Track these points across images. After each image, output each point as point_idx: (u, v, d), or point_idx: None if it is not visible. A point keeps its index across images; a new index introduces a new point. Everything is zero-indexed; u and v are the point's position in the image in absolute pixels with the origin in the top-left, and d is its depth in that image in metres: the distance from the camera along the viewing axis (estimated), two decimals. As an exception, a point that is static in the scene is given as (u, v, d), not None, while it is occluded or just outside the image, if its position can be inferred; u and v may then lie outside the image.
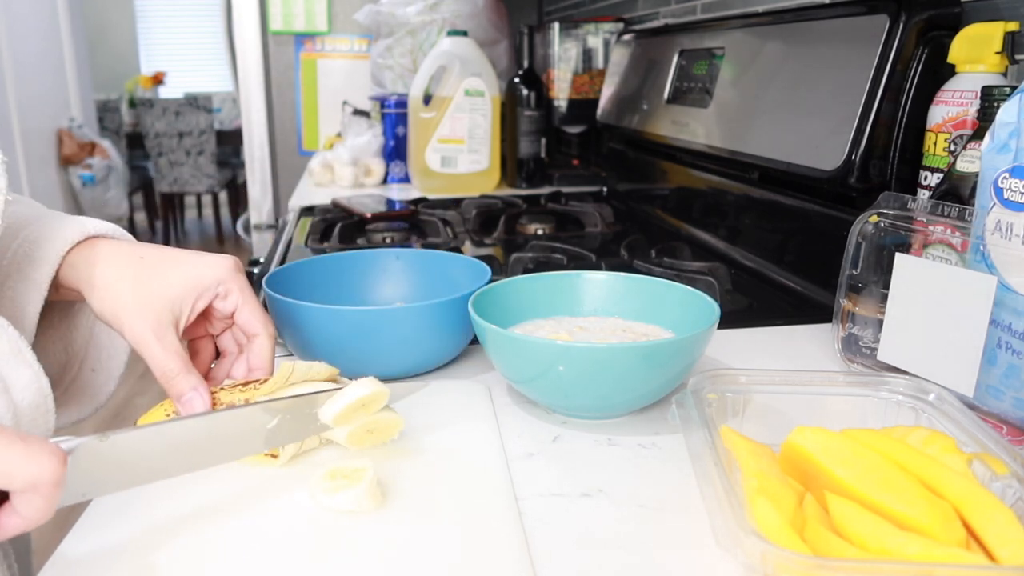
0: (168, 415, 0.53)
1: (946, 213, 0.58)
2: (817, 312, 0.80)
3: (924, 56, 0.75)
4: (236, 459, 0.48)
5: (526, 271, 0.94)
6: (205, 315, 0.58)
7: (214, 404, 0.53)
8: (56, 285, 0.54)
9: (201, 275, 0.54)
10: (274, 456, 0.51)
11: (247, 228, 2.29)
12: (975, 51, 0.67)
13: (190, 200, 5.73)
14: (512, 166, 1.66)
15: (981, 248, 0.54)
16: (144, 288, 0.52)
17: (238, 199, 5.11)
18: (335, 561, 0.42)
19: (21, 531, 0.39)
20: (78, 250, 0.54)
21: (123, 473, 0.42)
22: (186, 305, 0.53)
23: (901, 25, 0.75)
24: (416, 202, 1.40)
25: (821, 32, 0.86)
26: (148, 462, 0.43)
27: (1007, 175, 0.53)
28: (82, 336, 0.60)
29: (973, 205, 0.56)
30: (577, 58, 1.63)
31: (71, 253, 0.53)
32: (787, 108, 0.89)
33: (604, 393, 0.56)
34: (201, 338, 0.60)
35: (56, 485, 0.38)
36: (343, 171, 1.68)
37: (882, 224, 0.63)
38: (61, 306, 0.60)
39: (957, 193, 0.62)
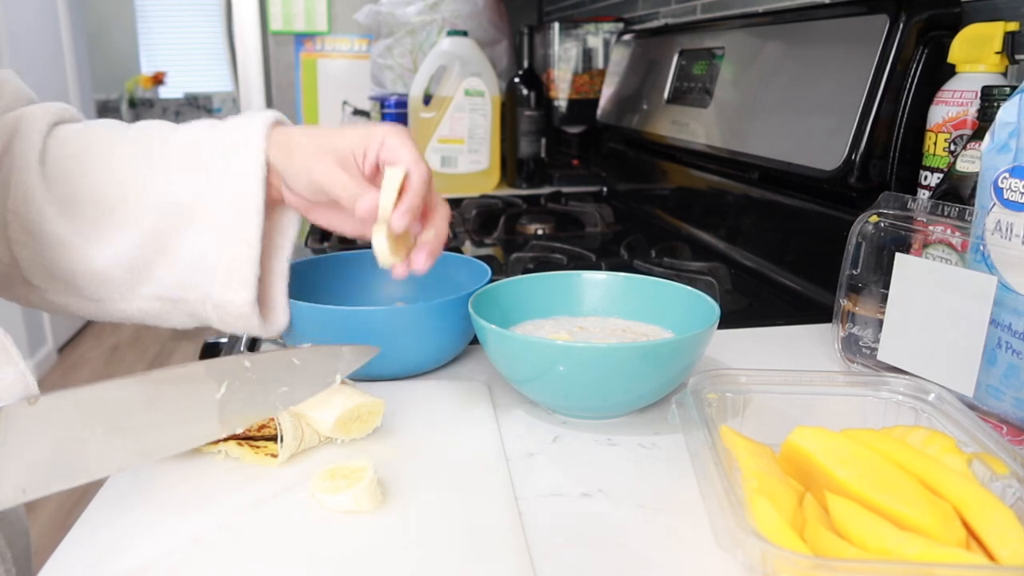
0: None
1: (946, 213, 0.58)
2: (817, 312, 0.80)
3: (924, 56, 0.75)
4: (192, 446, 0.46)
5: (526, 271, 0.94)
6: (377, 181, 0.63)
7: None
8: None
9: (366, 135, 0.61)
10: (273, 456, 0.51)
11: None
12: (975, 51, 0.67)
13: (190, 200, 5.72)
14: (512, 166, 1.66)
15: (981, 248, 0.54)
16: (326, 141, 0.60)
17: (238, 199, 5.11)
18: (335, 561, 0.42)
19: None
20: (270, 141, 0.62)
21: (66, 457, 0.38)
22: (355, 156, 0.60)
23: (901, 25, 0.75)
24: (416, 202, 1.39)
25: (821, 32, 0.86)
26: (90, 438, 0.39)
27: (1007, 175, 0.53)
28: (285, 237, 0.67)
29: (973, 205, 0.56)
30: (577, 58, 1.63)
31: (266, 143, 0.61)
32: (787, 108, 0.89)
33: (604, 393, 0.56)
34: None
35: None
36: (343, 171, 1.68)
37: (882, 224, 0.63)
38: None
39: (957, 193, 0.62)
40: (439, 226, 0.62)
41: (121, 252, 0.60)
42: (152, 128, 0.68)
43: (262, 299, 0.64)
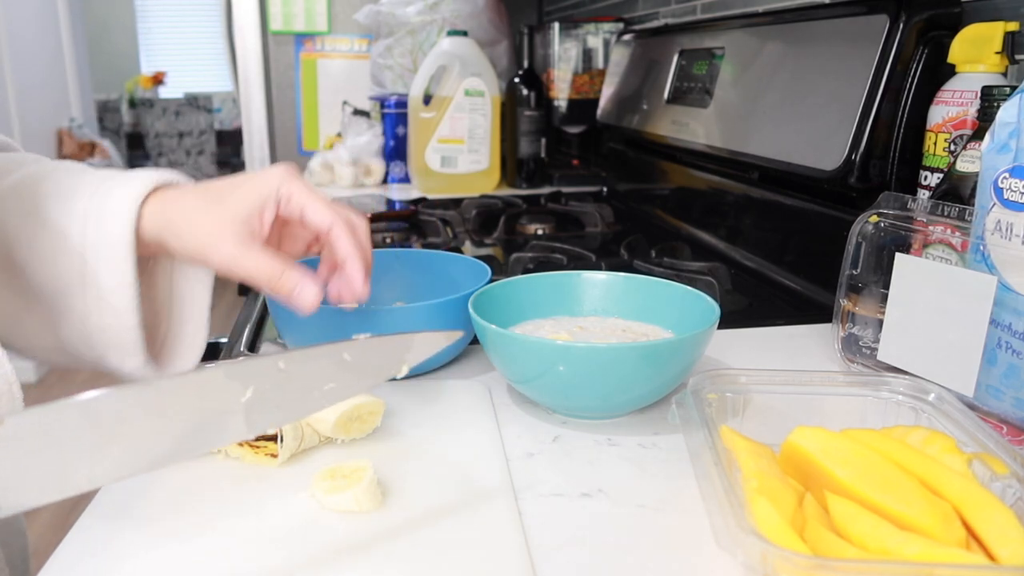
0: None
1: (946, 213, 0.58)
2: (817, 312, 0.80)
3: (924, 56, 0.75)
4: (210, 449, 0.40)
5: (526, 271, 0.94)
6: (284, 235, 0.60)
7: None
8: (137, 242, 0.55)
9: (259, 187, 0.55)
10: (273, 456, 0.51)
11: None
12: (975, 51, 0.67)
13: (190, 200, 5.73)
14: (512, 166, 1.66)
15: (981, 248, 0.54)
16: (215, 215, 0.53)
17: (238, 199, 5.11)
18: (335, 561, 0.42)
19: None
20: (149, 202, 0.55)
21: (46, 473, 0.32)
22: (255, 219, 0.54)
23: (901, 25, 0.75)
24: (416, 202, 1.40)
25: (821, 32, 0.86)
26: (76, 455, 0.33)
27: (1007, 175, 0.53)
28: (163, 291, 0.61)
29: (973, 205, 0.56)
30: (577, 58, 1.63)
31: (144, 205, 0.55)
32: (787, 108, 0.89)
33: (604, 393, 0.56)
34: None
35: None
36: (343, 171, 1.68)
37: (882, 224, 0.63)
38: (139, 265, 0.60)
39: (957, 193, 0.62)
40: (350, 271, 0.58)
41: (12, 311, 0.56)
42: (34, 179, 0.58)
43: (171, 346, 0.61)
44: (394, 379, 0.44)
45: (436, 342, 0.45)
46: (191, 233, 0.54)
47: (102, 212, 0.54)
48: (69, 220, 0.55)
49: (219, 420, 0.36)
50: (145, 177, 0.56)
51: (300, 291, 0.54)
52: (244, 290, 1.07)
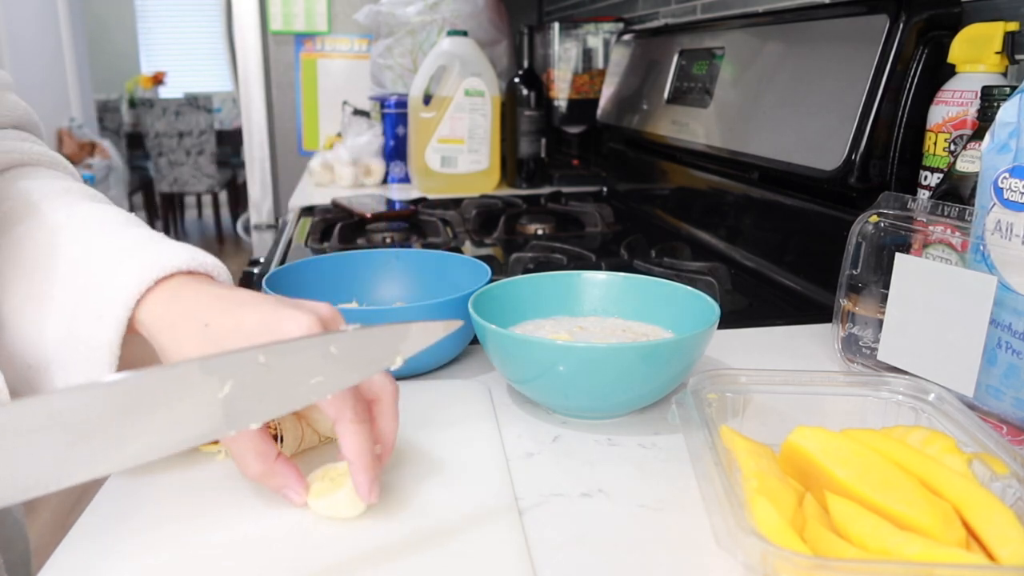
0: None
1: (946, 213, 0.58)
2: (817, 312, 0.80)
3: (924, 56, 0.75)
4: (186, 446, 0.36)
5: (526, 271, 0.94)
6: None
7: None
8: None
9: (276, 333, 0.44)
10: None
11: (247, 228, 2.29)
12: (975, 51, 0.67)
13: (190, 200, 5.73)
14: (512, 166, 1.66)
15: (981, 248, 0.54)
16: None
17: (238, 199, 5.12)
18: (335, 561, 0.42)
19: None
20: (147, 302, 0.47)
21: (9, 475, 0.30)
22: None
23: (901, 25, 0.75)
24: (416, 202, 1.40)
25: (821, 32, 0.86)
26: (42, 456, 0.31)
27: (1007, 175, 0.53)
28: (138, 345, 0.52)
29: (973, 205, 0.56)
30: (577, 58, 1.63)
31: (139, 307, 0.47)
32: (787, 108, 0.89)
33: (604, 393, 0.56)
34: None
35: None
36: (343, 171, 1.68)
37: (882, 224, 0.63)
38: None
39: (957, 193, 0.62)
40: (381, 427, 0.47)
41: None
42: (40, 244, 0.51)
43: None
44: (390, 370, 0.41)
45: (433, 332, 0.42)
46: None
47: (88, 308, 0.48)
48: (50, 294, 0.49)
49: (196, 416, 0.34)
50: (139, 277, 0.47)
51: (285, 495, 0.46)
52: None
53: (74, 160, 4.08)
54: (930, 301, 0.57)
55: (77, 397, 0.30)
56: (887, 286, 0.60)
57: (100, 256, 0.49)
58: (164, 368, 0.32)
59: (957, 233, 0.58)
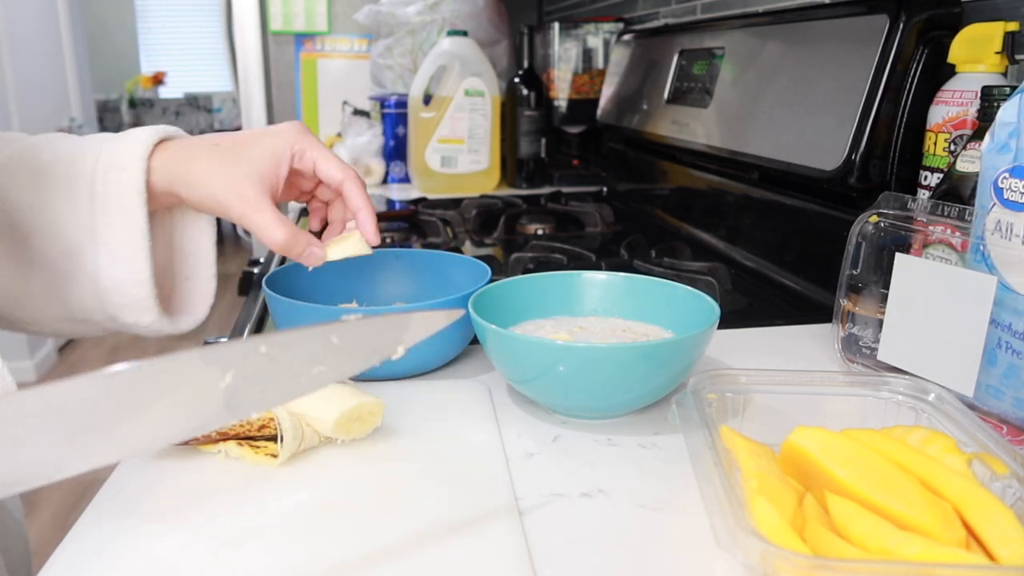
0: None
1: (946, 213, 0.58)
2: (817, 312, 0.80)
3: (924, 56, 0.75)
4: (186, 437, 0.36)
5: (526, 271, 0.94)
6: (292, 182, 0.63)
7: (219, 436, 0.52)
8: (151, 200, 0.58)
9: (275, 145, 0.58)
10: (273, 456, 0.51)
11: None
12: (975, 51, 0.67)
13: (190, 200, 5.73)
14: (512, 166, 1.66)
15: (981, 248, 0.54)
16: (234, 170, 0.56)
17: (238, 199, 5.11)
18: (335, 560, 0.42)
19: None
20: (157, 156, 0.58)
21: (7, 468, 0.30)
22: (271, 176, 0.58)
23: (901, 25, 0.75)
24: (416, 202, 1.40)
25: (821, 32, 0.86)
26: (39, 447, 0.31)
27: (1007, 175, 0.53)
28: (164, 247, 0.63)
29: (973, 205, 0.56)
30: (577, 58, 1.63)
31: (152, 158, 0.57)
32: (787, 108, 0.89)
33: (604, 393, 0.56)
34: (310, 199, 0.67)
35: None
36: (343, 171, 1.68)
37: (882, 224, 0.63)
38: (157, 219, 0.63)
39: (957, 193, 0.62)
40: (363, 219, 0.63)
41: (16, 283, 0.58)
42: (32, 149, 0.61)
43: (178, 300, 0.64)
44: (390, 360, 0.40)
45: (435, 322, 0.42)
46: (209, 186, 0.56)
47: (109, 167, 0.57)
48: (76, 180, 0.57)
49: (197, 406, 0.34)
50: (149, 131, 0.58)
51: (311, 251, 0.59)
52: (244, 290, 1.07)
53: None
54: (930, 301, 0.57)
55: (79, 387, 0.30)
56: (887, 286, 0.60)
57: (95, 143, 0.59)
58: (165, 358, 0.32)
59: (957, 233, 0.58)
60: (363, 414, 0.54)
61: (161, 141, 0.59)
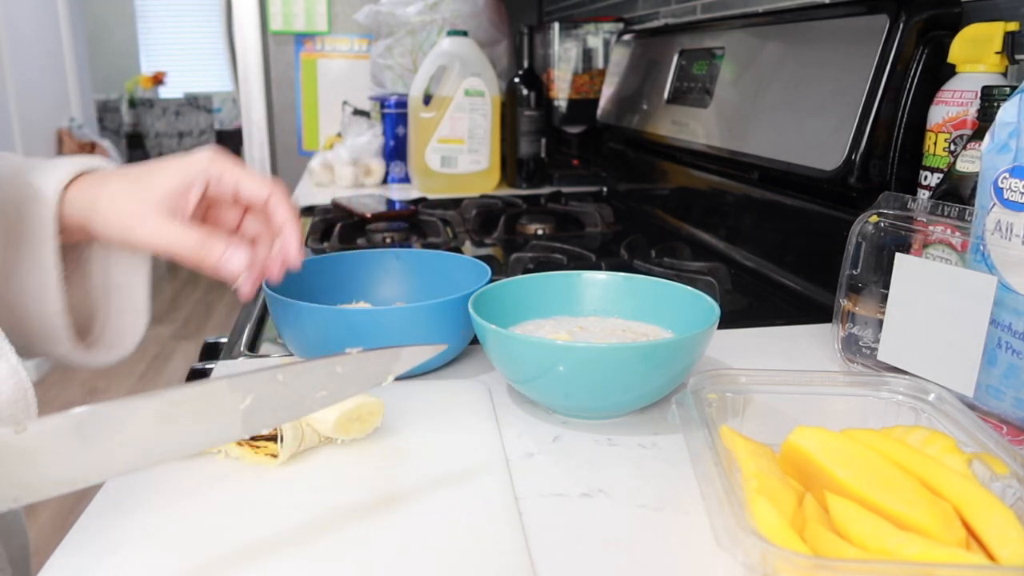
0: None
1: (946, 213, 0.58)
2: (817, 312, 0.80)
3: (924, 56, 0.75)
4: (207, 447, 0.42)
5: (526, 271, 0.94)
6: (209, 217, 0.60)
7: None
8: (63, 225, 0.56)
9: (186, 167, 0.56)
10: (274, 456, 0.51)
11: (247, 228, 2.29)
12: (975, 51, 0.67)
13: (190, 200, 5.72)
14: (512, 166, 1.66)
15: (981, 248, 0.54)
16: (139, 193, 0.54)
17: (238, 199, 5.11)
18: (335, 560, 0.42)
19: None
20: (73, 187, 0.56)
21: (63, 470, 0.35)
22: (180, 196, 0.55)
23: (901, 25, 0.75)
24: (416, 202, 1.40)
25: (821, 32, 0.86)
26: (92, 454, 0.36)
27: (1007, 175, 0.53)
28: (98, 280, 0.62)
29: (973, 205, 0.56)
30: (577, 58, 1.63)
31: (68, 190, 0.56)
32: (787, 108, 0.89)
33: (604, 393, 0.56)
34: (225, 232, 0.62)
35: None
36: (343, 171, 1.68)
37: (882, 224, 0.63)
38: (70, 256, 0.61)
39: (957, 193, 0.62)
40: (288, 235, 0.59)
41: None
42: None
43: (109, 332, 0.62)
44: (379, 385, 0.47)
45: (422, 354, 0.48)
46: (115, 212, 0.54)
47: (26, 198, 0.55)
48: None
49: (220, 423, 0.39)
50: (69, 164, 0.57)
51: (228, 256, 0.54)
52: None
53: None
54: (930, 301, 0.57)
55: (121, 408, 0.36)
56: (887, 286, 0.60)
57: (21, 171, 0.57)
58: (201, 385, 0.39)
59: (957, 233, 0.58)
60: (363, 414, 0.54)
61: (81, 174, 0.57)
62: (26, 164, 0.59)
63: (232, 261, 0.54)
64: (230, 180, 0.57)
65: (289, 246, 0.59)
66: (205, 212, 0.61)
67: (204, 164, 0.56)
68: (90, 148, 4.18)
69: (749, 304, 0.86)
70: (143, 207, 0.54)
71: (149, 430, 0.37)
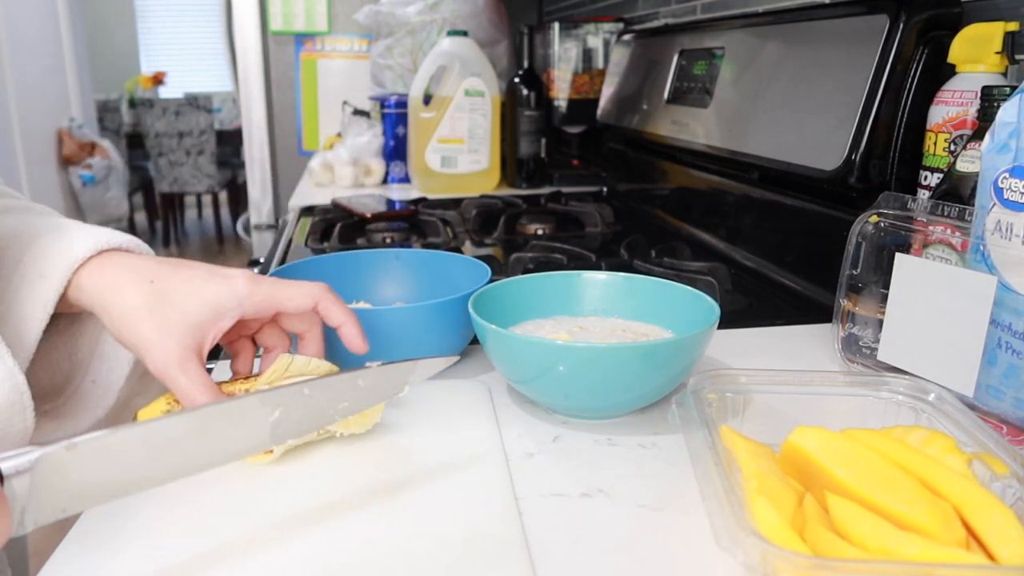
0: (169, 407, 0.53)
1: (946, 213, 0.58)
2: (817, 312, 0.80)
3: (924, 56, 0.75)
4: (239, 458, 0.43)
5: (526, 271, 0.94)
6: (237, 328, 0.56)
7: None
8: (66, 301, 0.52)
9: (219, 296, 0.51)
10: (269, 452, 0.51)
11: (247, 228, 2.29)
12: (975, 51, 0.67)
13: (190, 200, 5.73)
14: (512, 166, 1.66)
15: (981, 248, 0.54)
16: (161, 317, 0.49)
17: (238, 199, 5.11)
18: (335, 560, 0.42)
19: None
20: (87, 270, 0.51)
21: (106, 483, 0.37)
22: (208, 331, 0.51)
23: (901, 25, 0.75)
24: (416, 202, 1.40)
25: (821, 32, 0.86)
26: (134, 468, 0.38)
27: (1007, 175, 0.53)
28: (87, 346, 0.59)
29: (973, 205, 0.56)
30: (577, 58, 1.63)
31: (80, 272, 0.51)
32: (787, 108, 0.89)
33: (604, 393, 0.56)
34: (238, 340, 0.57)
35: None
36: (343, 171, 1.68)
37: (882, 224, 0.63)
38: (68, 314, 0.58)
39: (957, 193, 0.62)
40: (349, 332, 0.55)
41: None
42: None
43: (75, 399, 0.58)
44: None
45: (436, 366, 0.51)
46: (128, 328, 0.49)
47: (31, 269, 0.51)
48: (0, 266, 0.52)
49: (250, 434, 0.42)
50: (88, 242, 0.51)
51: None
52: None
53: (74, 160, 4.08)
54: (930, 301, 0.57)
55: (163, 423, 0.38)
56: (887, 286, 0.60)
57: (34, 233, 0.53)
58: (234, 401, 0.41)
59: (957, 233, 0.58)
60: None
61: (101, 252, 0.52)
62: (42, 224, 0.54)
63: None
64: (270, 307, 0.53)
65: (353, 341, 0.55)
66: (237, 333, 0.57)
67: (241, 297, 0.51)
68: (90, 148, 4.18)
69: (749, 304, 0.86)
70: (163, 340, 0.49)
71: (187, 444, 0.39)
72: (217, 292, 0.51)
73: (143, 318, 0.49)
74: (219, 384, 0.53)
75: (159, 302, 0.49)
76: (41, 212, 0.58)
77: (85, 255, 0.51)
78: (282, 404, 0.42)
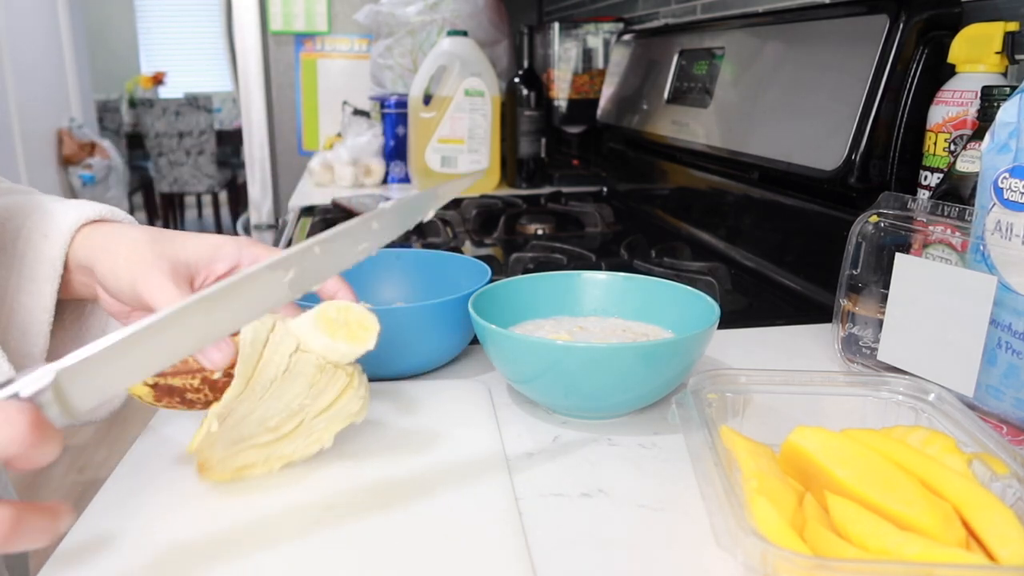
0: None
1: (946, 213, 0.58)
2: (817, 312, 0.80)
3: (924, 56, 0.75)
4: (259, 316, 0.42)
5: (526, 271, 0.94)
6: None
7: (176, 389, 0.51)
8: (66, 280, 0.54)
9: (219, 241, 0.53)
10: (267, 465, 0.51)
11: (247, 228, 2.29)
12: (975, 51, 0.67)
13: (190, 200, 5.73)
14: (512, 166, 1.66)
15: (981, 248, 0.54)
16: (160, 248, 0.51)
17: (238, 199, 5.11)
18: (335, 560, 0.42)
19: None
20: (89, 227, 0.54)
21: (129, 369, 0.37)
22: (203, 265, 0.52)
23: (901, 25, 0.75)
24: (416, 202, 1.39)
25: (821, 32, 0.86)
26: (158, 348, 0.37)
27: (1007, 175, 0.53)
28: (94, 338, 0.58)
29: (973, 205, 0.56)
30: (577, 58, 1.63)
31: (82, 230, 0.54)
32: (787, 108, 0.89)
33: (604, 393, 0.56)
34: None
35: (32, 447, 0.34)
36: (343, 171, 1.68)
37: (882, 224, 0.63)
38: (73, 307, 0.60)
39: (957, 193, 0.62)
40: (344, 295, 0.55)
41: None
42: None
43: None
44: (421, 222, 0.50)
45: (460, 185, 0.50)
46: (126, 257, 0.50)
47: (34, 231, 0.54)
48: (2, 238, 0.54)
49: (267, 295, 0.41)
50: (87, 207, 0.55)
51: (207, 351, 0.48)
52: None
53: (74, 160, 4.08)
54: (930, 301, 0.57)
55: (177, 309, 0.37)
56: (887, 286, 0.60)
57: (31, 207, 0.56)
58: (245, 274, 0.39)
59: (957, 233, 0.58)
60: (350, 321, 0.50)
61: (96, 221, 0.55)
62: (37, 200, 0.57)
63: (209, 357, 0.47)
64: (271, 256, 0.53)
65: (347, 297, 0.54)
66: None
67: (242, 243, 0.53)
68: (90, 148, 4.18)
69: (749, 304, 0.86)
70: (160, 261, 0.50)
71: (200, 319, 0.38)
72: (217, 239, 0.54)
73: (145, 246, 0.51)
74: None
75: (161, 237, 0.52)
76: (27, 191, 0.59)
77: (85, 218, 0.54)
78: (294, 265, 0.42)
